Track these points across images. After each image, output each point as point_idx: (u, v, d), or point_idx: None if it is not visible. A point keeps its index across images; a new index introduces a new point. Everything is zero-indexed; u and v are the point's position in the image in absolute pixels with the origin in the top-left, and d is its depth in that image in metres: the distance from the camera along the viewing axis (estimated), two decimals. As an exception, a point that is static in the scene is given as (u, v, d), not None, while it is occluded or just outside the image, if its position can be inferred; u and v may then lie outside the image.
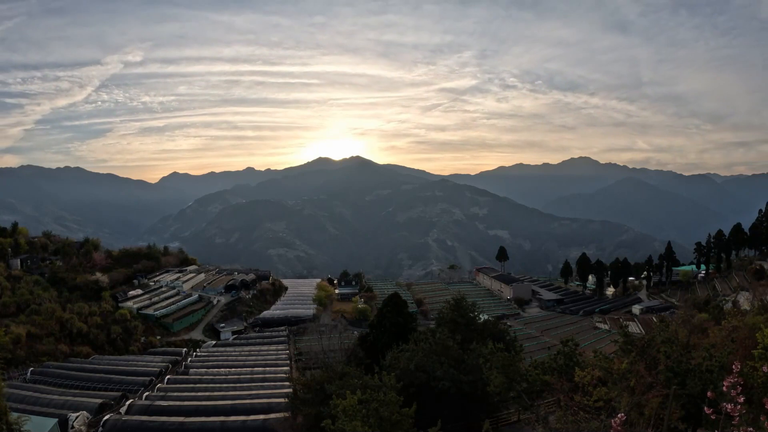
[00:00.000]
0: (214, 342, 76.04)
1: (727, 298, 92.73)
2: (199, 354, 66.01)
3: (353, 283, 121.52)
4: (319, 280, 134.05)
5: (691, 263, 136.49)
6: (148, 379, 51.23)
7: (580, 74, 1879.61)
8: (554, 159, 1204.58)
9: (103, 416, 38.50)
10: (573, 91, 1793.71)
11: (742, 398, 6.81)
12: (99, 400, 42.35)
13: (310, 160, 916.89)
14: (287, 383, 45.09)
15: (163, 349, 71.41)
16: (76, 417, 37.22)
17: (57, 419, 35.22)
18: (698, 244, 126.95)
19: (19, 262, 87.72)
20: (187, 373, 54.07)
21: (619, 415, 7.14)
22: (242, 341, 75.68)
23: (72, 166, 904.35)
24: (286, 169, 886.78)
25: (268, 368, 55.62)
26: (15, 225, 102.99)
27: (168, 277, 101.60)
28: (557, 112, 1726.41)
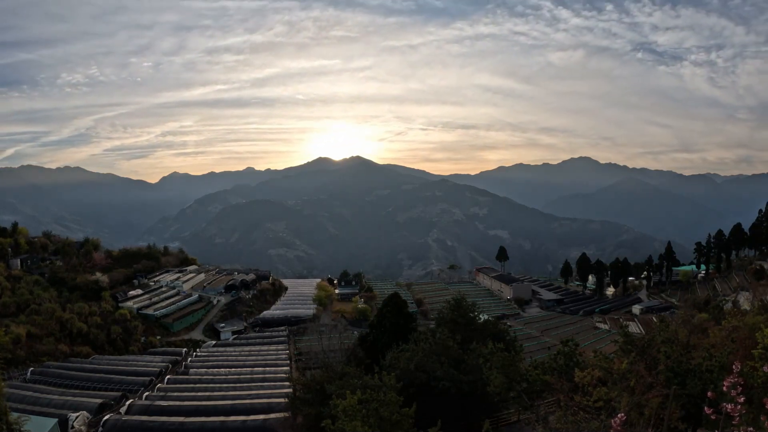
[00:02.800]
0: (214, 342, 76.03)
1: (727, 298, 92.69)
2: (199, 354, 66.01)
3: (353, 283, 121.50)
4: (319, 280, 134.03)
5: (691, 263, 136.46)
6: (148, 379, 51.22)
7: (464, 122, 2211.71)
8: (554, 159, 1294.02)
9: (103, 416, 38.50)
10: (472, 129, 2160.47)
11: (742, 398, 6.80)
12: (99, 400, 42.34)
13: (310, 160, 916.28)
14: (287, 383, 45.11)
15: (163, 349, 71.40)
16: (76, 417, 37.22)
17: (57, 419, 35.21)
18: (698, 244, 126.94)
19: (19, 262, 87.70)
20: (187, 373, 54.07)
21: (619, 415, 7.14)
22: (242, 341, 75.68)
23: (72, 166, 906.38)
24: (286, 169, 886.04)
25: (268, 368, 55.62)
26: (15, 225, 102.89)
27: (168, 277, 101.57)
28: (474, 139, 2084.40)
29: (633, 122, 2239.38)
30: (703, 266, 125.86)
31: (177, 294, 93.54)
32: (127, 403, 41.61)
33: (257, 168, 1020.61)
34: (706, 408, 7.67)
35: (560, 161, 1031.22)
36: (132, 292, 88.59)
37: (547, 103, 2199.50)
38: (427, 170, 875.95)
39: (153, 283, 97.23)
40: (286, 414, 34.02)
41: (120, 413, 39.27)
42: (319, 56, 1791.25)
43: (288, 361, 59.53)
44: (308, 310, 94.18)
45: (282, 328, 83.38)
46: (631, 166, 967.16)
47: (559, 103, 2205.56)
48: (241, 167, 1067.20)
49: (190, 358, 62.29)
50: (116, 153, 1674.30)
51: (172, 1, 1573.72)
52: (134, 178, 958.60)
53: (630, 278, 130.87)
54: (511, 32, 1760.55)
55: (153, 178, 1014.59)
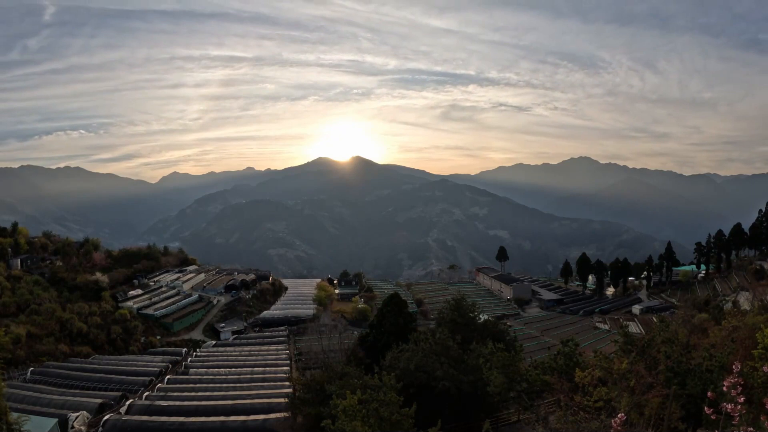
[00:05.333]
0: (214, 342, 76.01)
1: (727, 298, 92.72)
2: (199, 354, 65.99)
3: (353, 283, 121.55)
4: (319, 280, 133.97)
5: (691, 263, 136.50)
6: (148, 379, 51.22)
7: (414, 146, 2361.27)
8: (554, 159, 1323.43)
9: (103, 416, 38.50)
10: (424, 150, 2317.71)
11: (742, 398, 6.81)
12: (99, 400, 42.33)
13: (310, 160, 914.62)
14: (287, 383, 45.12)
15: (163, 349, 71.39)
16: (76, 417, 37.22)
17: (57, 419, 35.20)
18: (698, 244, 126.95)
19: (19, 262, 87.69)
20: (187, 373, 54.06)
21: (619, 415, 7.14)
22: (242, 341, 75.65)
23: (72, 166, 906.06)
24: (286, 169, 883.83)
25: (268, 368, 55.60)
26: (15, 225, 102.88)
27: (168, 277, 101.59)
28: (429, 155, 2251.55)
29: (543, 142, 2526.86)
30: (703, 266, 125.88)
31: (177, 294, 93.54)
32: (127, 403, 41.58)
33: (257, 168, 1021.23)
34: (706, 408, 7.67)
35: (560, 161, 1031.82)
36: (132, 292, 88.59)
37: (460, 134, 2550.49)
38: (427, 170, 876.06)
39: (153, 283, 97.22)
40: (286, 414, 34.06)
41: (120, 413, 39.24)
42: (289, 119, 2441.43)
43: (288, 361, 59.49)
44: (308, 310, 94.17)
45: (282, 328, 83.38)
46: (631, 166, 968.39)
47: (473, 135, 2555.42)
48: (241, 167, 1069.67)
49: (190, 358, 62.24)
50: (147, 166, 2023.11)
51: (198, 104, 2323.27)
52: (135, 178, 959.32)
53: (630, 278, 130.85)
54: (397, 103, 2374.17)
55: (153, 178, 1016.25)
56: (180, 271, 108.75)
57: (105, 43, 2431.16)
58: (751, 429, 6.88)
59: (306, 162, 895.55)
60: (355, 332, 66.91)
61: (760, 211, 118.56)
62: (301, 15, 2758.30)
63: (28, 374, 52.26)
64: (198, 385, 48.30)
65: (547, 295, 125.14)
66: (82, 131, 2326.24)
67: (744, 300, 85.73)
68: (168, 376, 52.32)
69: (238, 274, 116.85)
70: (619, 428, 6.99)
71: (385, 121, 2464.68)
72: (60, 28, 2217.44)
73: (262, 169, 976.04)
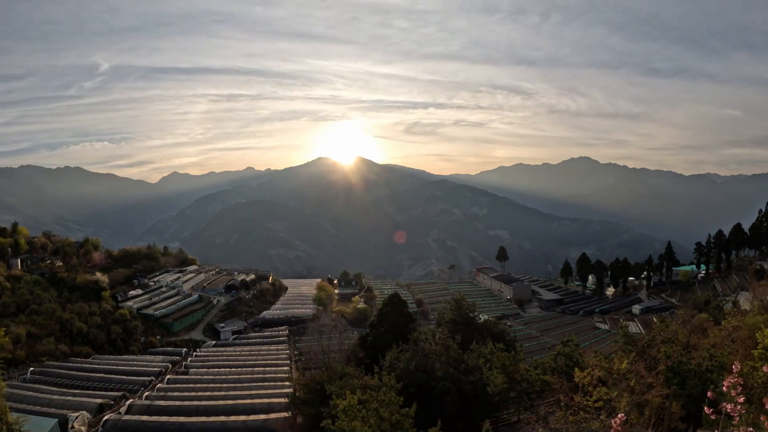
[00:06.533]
0: (214, 342, 76.06)
1: (727, 298, 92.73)
2: (199, 354, 66.05)
3: (353, 283, 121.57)
4: (319, 280, 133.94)
5: (691, 263, 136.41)
6: (148, 379, 51.26)
7: (399, 155, 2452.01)
8: (554, 159, 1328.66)
9: (103, 416, 38.54)
10: (406, 157, 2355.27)
11: (742, 398, 6.81)
12: (99, 400, 42.38)
13: (310, 160, 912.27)
14: (287, 383, 45.14)
15: (163, 349, 71.46)
16: (76, 417, 37.23)
17: (57, 419, 35.22)
18: (698, 244, 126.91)
19: (19, 262, 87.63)
20: (187, 373, 54.10)
21: (619, 415, 7.15)
22: (242, 341, 75.73)
23: (72, 166, 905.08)
24: (286, 169, 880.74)
25: (268, 368, 55.66)
26: (15, 225, 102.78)
27: (168, 277, 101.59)
28: (415, 162, 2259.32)
29: (514, 149, 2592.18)
30: (703, 266, 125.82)
31: (177, 294, 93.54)
32: (127, 403, 41.63)
33: (257, 168, 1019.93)
34: (706, 408, 7.67)
35: (560, 161, 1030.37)
36: (132, 292, 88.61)
37: (436, 144, 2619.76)
38: (427, 170, 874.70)
39: (153, 283, 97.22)
40: (287, 414, 34.10)
41: (120, 413, 39.27)
42: (284, 133, 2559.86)
43: (288, 361, 59.57)
44: (308, 310, 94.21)
45: (282, 328, 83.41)
46: (631, 166, 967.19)
47: (449, 144, 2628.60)
48: (241, 167, 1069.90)
49: (190, 358, 62.33)
50: (156, 170, 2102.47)
51: (203, 123, 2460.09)
52: (135, 178, 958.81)
53: (630, 278, 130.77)
54: (372, 122, 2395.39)
55: (153, 178, 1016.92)
56: (180, 271, 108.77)
57: (141, 86, 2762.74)
58: (751, 429, 6.88)
59: (306, 162, 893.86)
60: (355, 332, 66.96)
61: (760, 211, 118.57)
62: (284, 69, 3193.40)
63: (28, 374, 52.29)
64: (198, 385, 48.35)
65: (547, 295, 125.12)
66: (106, 142, 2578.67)
67: (744, 300, 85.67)
68: (168, 376, 52.38)
69: (238, 274, 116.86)
70: (619, 428, 6.99)
71: (363, 134, 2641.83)
72: (111, 75, 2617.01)
73: (262, 169, 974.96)
